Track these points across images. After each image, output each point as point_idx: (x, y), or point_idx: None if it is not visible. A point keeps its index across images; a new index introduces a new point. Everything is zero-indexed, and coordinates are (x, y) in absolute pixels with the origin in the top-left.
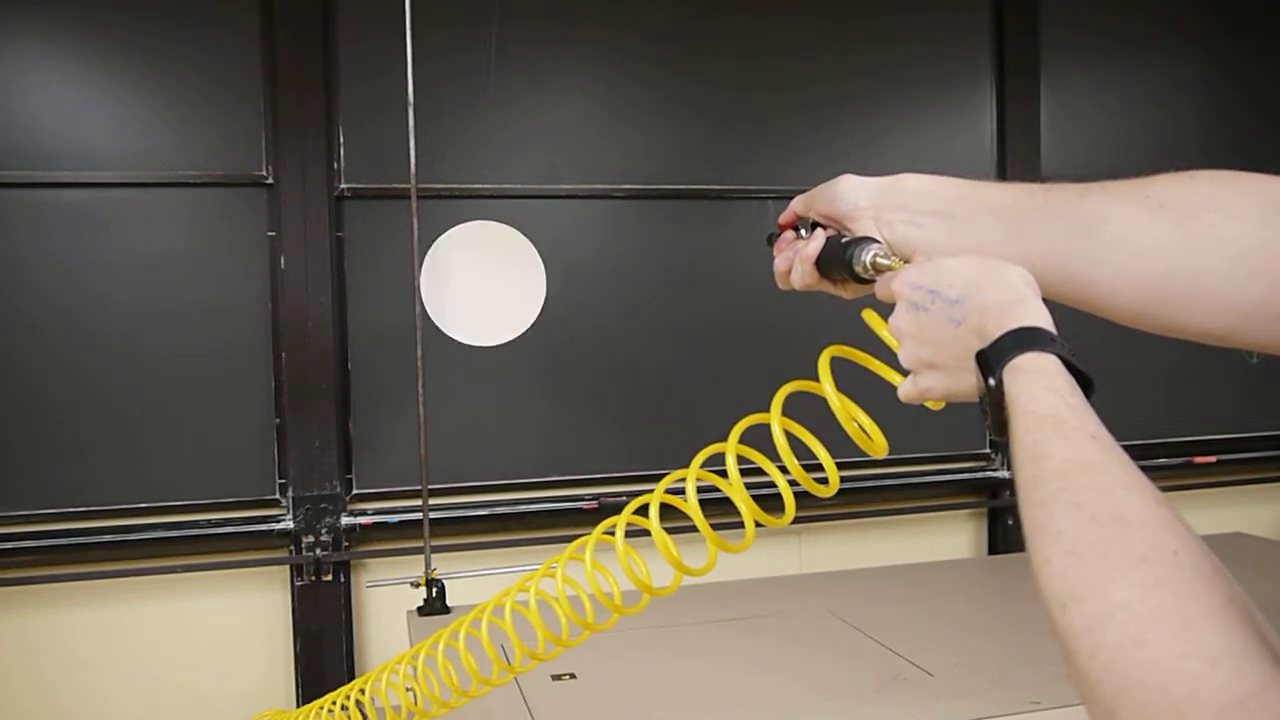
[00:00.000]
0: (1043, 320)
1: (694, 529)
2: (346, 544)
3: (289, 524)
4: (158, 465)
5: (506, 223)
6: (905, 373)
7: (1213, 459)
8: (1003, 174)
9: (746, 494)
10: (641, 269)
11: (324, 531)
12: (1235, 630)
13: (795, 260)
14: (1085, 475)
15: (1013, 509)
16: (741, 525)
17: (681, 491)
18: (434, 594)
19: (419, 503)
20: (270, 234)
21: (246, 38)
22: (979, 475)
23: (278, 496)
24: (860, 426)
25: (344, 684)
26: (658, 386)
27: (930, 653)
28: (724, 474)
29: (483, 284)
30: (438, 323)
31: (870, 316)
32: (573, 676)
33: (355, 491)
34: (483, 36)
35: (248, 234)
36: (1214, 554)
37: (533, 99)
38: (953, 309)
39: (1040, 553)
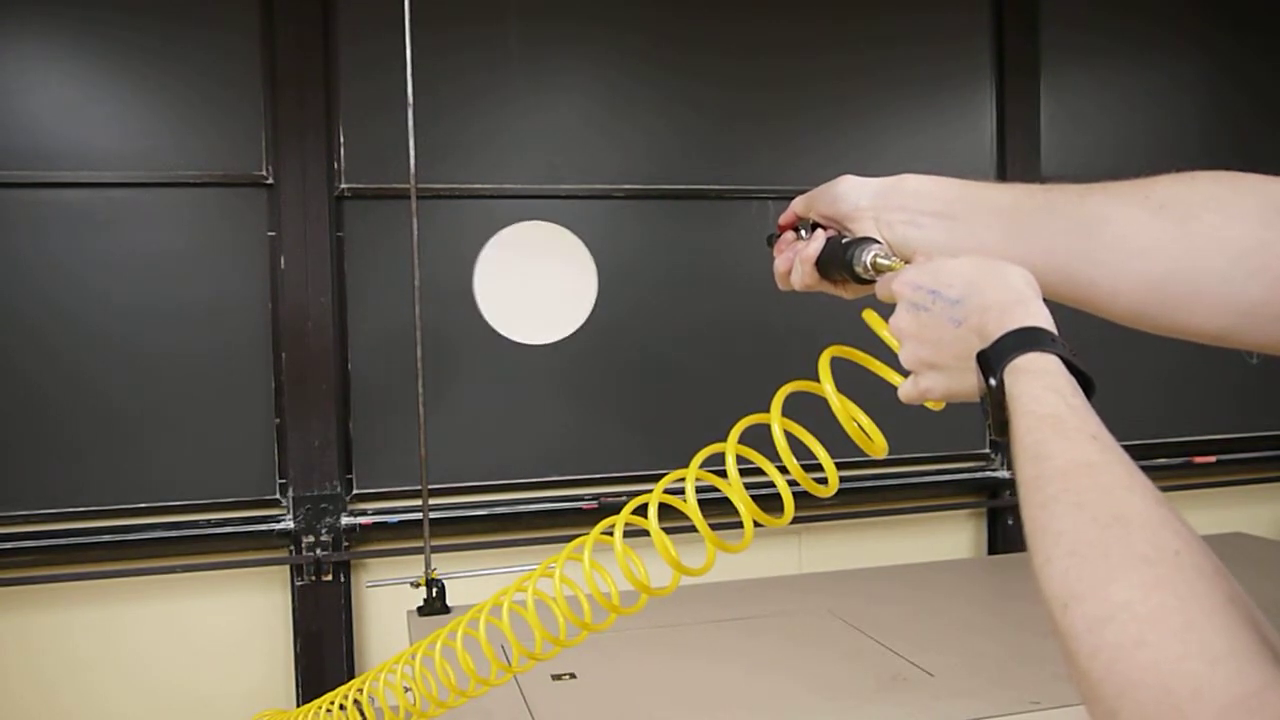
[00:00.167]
0: (1044, 320)
1: (693, 529)
2: (346, 544)
3: (289, 524)
4: (158, 465)
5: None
6: (906, 373)
7: (1213, 459)
8: (1003, 174)
9: (746, 494)
10: (641, 269)
11: (324, 531)
12: (1236, 630)
13: (795, 261)
14: (1086, 476)
15: (1012, 509)
16: (741, 525)
17: (681, 491)
18: (434, 594)
19: (419, 503)
20: (270, 234)
21: (246, 38)
22: (979, 475)
23: (278, 496)
24: (860, 427)
25: (344, 684)
26: (658, 386)
27: (930, 653)
28: (723, 474)
29: (536, 283)
30: (490, 320)
31: (871, 317)
32: (573, 676)
33: (355, 491)
34: (483, 36)
35: (248, 234)
36: (1215, 554)
37: (533, 99)
38: (953, 309)
39: (1041, 553)
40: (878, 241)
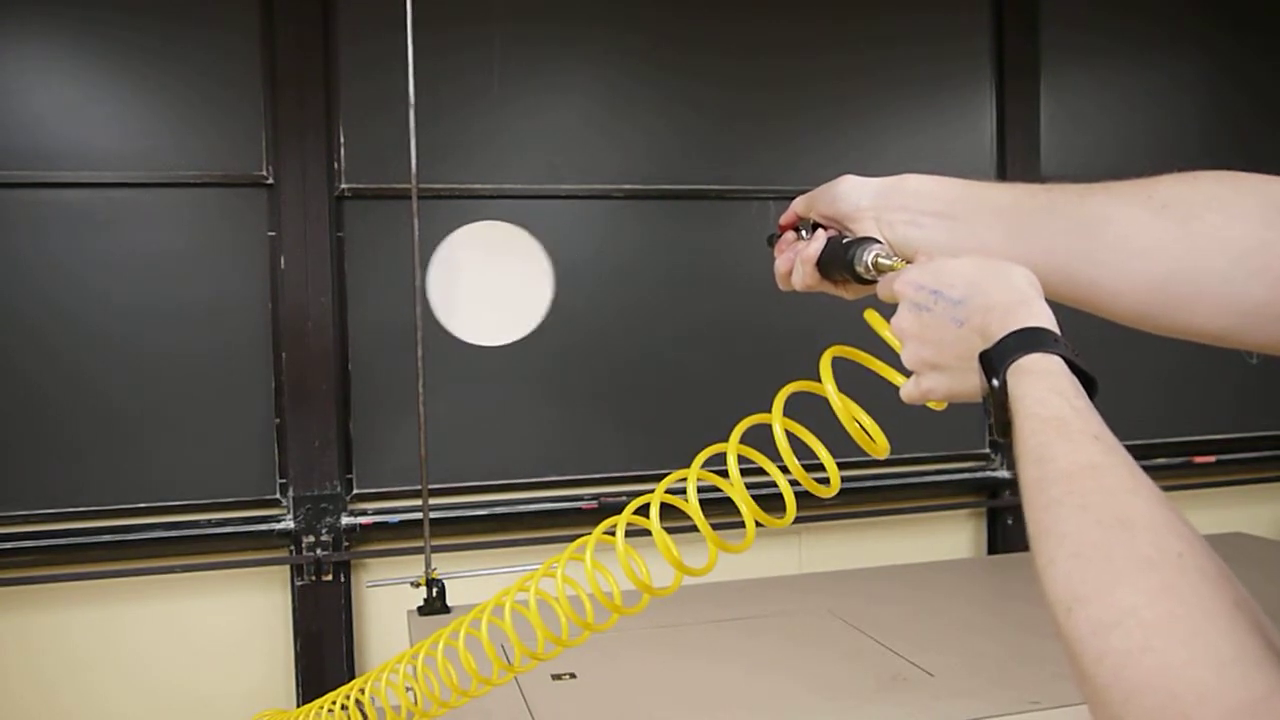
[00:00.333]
0: (1046, 321)
1: (695, 529)
2: (346, 544)
3: (289, 524)
4: (158, 465)
5: (507, 223)
6: (908, 373)
7: (1213, 459)
8: (1003, 174)
9: (747, 494)
10: (641, 269)
11: (324, 531)
12: (1242, 635)
13: (796, 261)
14: (1090, 478)
15: (1012, 509)
16: (742, 525)
17: (682, 491)
18: (434, 594)
19: (419, 503)
20: (270, 234)
21: (246, 38)
22: (979, 475)
23: (278, 496)
24: (862, 427)
25: (344, 684)
26: (658, 386)
27: (930, 653)
28: (725, 474)
29: (490, 283)
30: (444, 322)
31: (872, 317)
32: (573, 676)
33: (355, 491)
34: (483, 36)
35: (248, 234)
36: (1219, 556)
37: (533, 99)
38: (955, 309)
39: (1045, 555)
40: (879, 241)
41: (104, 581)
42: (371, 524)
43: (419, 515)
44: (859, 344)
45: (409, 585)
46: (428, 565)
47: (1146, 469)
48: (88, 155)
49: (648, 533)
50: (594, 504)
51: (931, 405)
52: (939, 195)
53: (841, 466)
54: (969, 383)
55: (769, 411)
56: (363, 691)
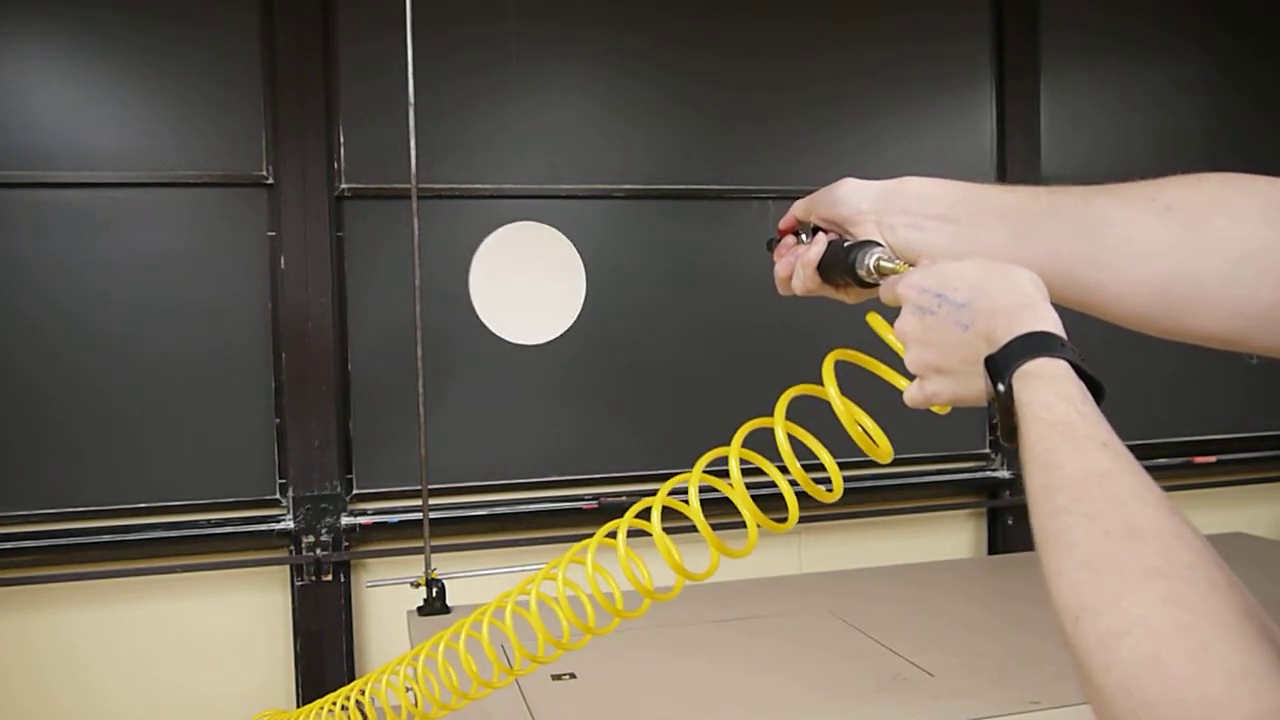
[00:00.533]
0: (1052, 324)
1: (696, 528)
2: (346, 544)
3: (289, 524)
4: (158, 465)
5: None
6: (911, 377)
7: (1213, 459)
8: (1003, 175)
9: (750, 499)
10: (641, 269)
11: (324, 531)
12: (1252, 647)
13: (797, 265)
14: (1097, 485)
15: (1012, 509)
16: (743, 524)
17: (684, 493)
18: (434, 594)
19: (419, 503)
20: (270, 234)
21: (246, 38)
22: (979, 475)
23: (278, 496)
24: (866, 432)
25: (344, 684)
26: (658, 386)
27: (930, 653)
28: (727, 476)
29: (528, 284)
30: (486, 321)
31: (875, 320)
32: (573, 676)
33: (355, 491)
34: (482, 37)
35: (248, 234)
36: (1227, 564)
37: (533, 99)
38: (959, 313)
39: (1052, 563)
40: (880, 244)
41: (104, 581)
42: (371, 524)
43: (419, 515)
44: (861, 347)
45: (409, 585)
46: (428, 565)
47: (1147, 470)
48: (88, 155)
49: (649, 534)
50: (594, 504)
51: (935, 409)
52: (941, 198)
53: (841, 467)
54: (974, 387)
55: (770, 413)
56: (363, 693)
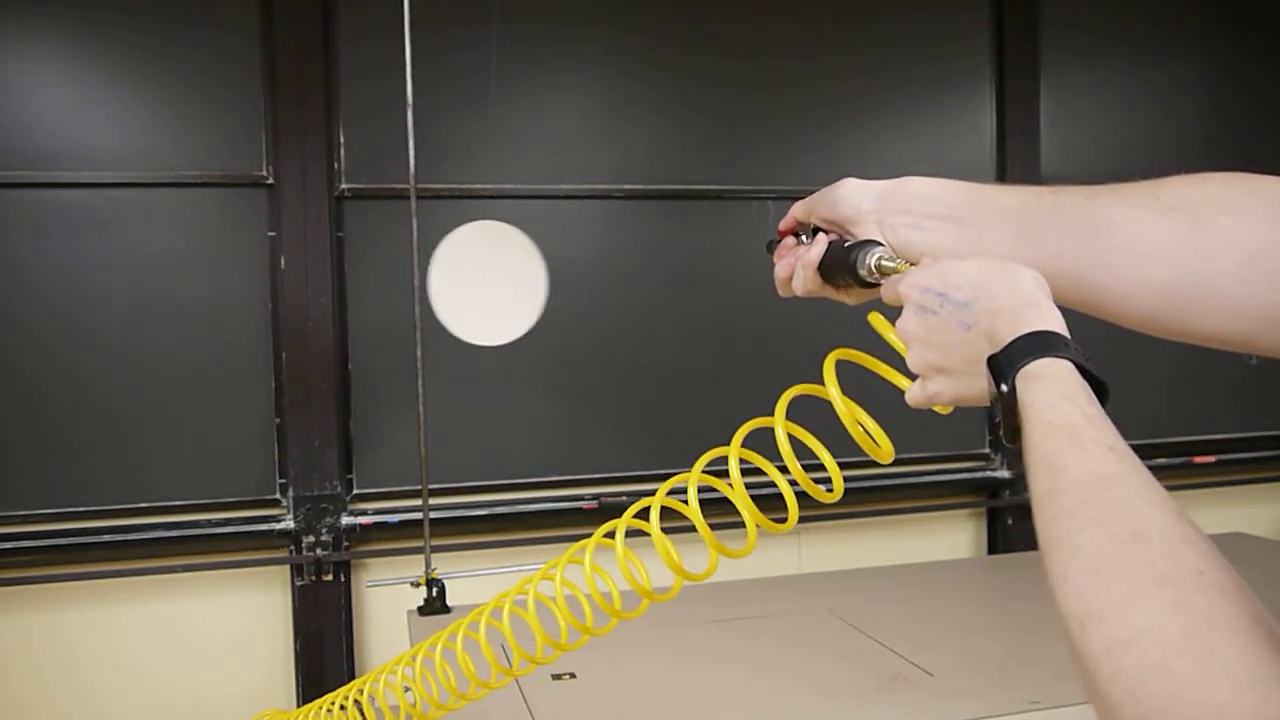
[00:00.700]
0: (1056, 324)
1: (695, 529)
2: (346, 544)
3: (289, 524)
4: (158, 465)
5: (507, 223)
6: (913, 377)
7: (1213, 459)
8: (1002, 175)
9: (749, 500)
10: (641, 269)
11: (324, 531)
12: (1260, 654)
13: (797, 266)
14: (1103, 489)
15: (1012, 509)
16: (743, 524)
17: (683, 493)
18: (434, 594)
19: (419, 503)
20: (270, 234)
21: (246, 38)
22: (979, 475)
23: (278, 496)
24: (867, 432)
25: (344, 684)
26: (658, 386)
27: (930, 653)
28: (726, 476)
29: (488, 283)
30: (445, 323)
31: (877, 320)
32: (573, 676)
33: (355, 491)
34: (483, 37)
35: (248, 234)
36: (1235, 570)
37: (533, 99)
38: (962, 312)
39: (1057, 568)
40: (881, 244)
41: (104, 581)
42: (371, 524)
43: (419, 515)
44: (862, 348)
45: (409, 585)
46: (428, 565)
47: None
48: (88, 155)
49: (648, 534)
50: (594, 504)
51: (938, 409)
52: (942, 198)
53: (841, 467)
54: (976, 387)
55: (770, 413)
56: (362, 693)
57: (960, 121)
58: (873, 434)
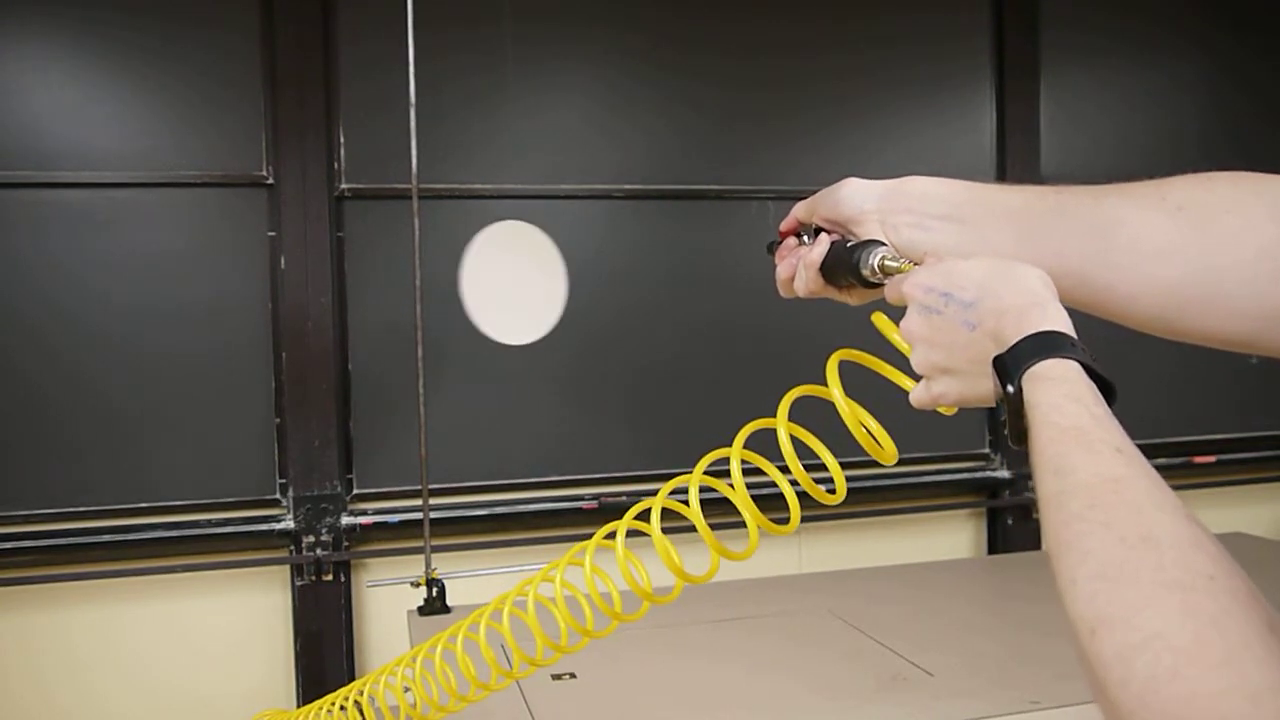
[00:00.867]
0: (1062, 324)
1: (696, 529)
2: (346, 544)
3: (289, 524)
4: (158, 465)
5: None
6: (917, 378)
7: (1213, 459)
8: (1003, 175)
9: (751, 502)
10: (641, 269)
11: (324, 531)
12: (1275, 660)
13: (799, 266)
14: (1112, 492)
15: (1012, 509)
16: (744, 524)
17: (684, 493)
18: (434, 594)
19: (419, 503)
20: (270, 234)
21: (246, 38)
22: (979, 475)
23: (278, 496)
24: (870, 434)
25: (344, 684)
26: (658, 386)
27: (930, 653)
28: (727, 477)
29: (516, 283)
30: (477, 322)
31: (880, 320)
32: (573, 676)
33: (355, 491)
34: (483, 37)
35: (248, 234)
36: (1247, 575)
37: (533, 99)
38: (967, 312)
39: (1066, 573)
40: (884, 244)
41: (104, 581)
42: (371, 524)
43: (419, 515)
44: (863, 348)
45: (409, 585)
46: (428, 565)
47: None
48: (88, 155)
49: (648, 535)
50: (594, 504)
51: (942, 410)
52: (946, 198)
53: (842, 467)
54: (981, 387)
55: (771, 414)
56: (362, 693)
57: (960, 121)
58: (876, 435)
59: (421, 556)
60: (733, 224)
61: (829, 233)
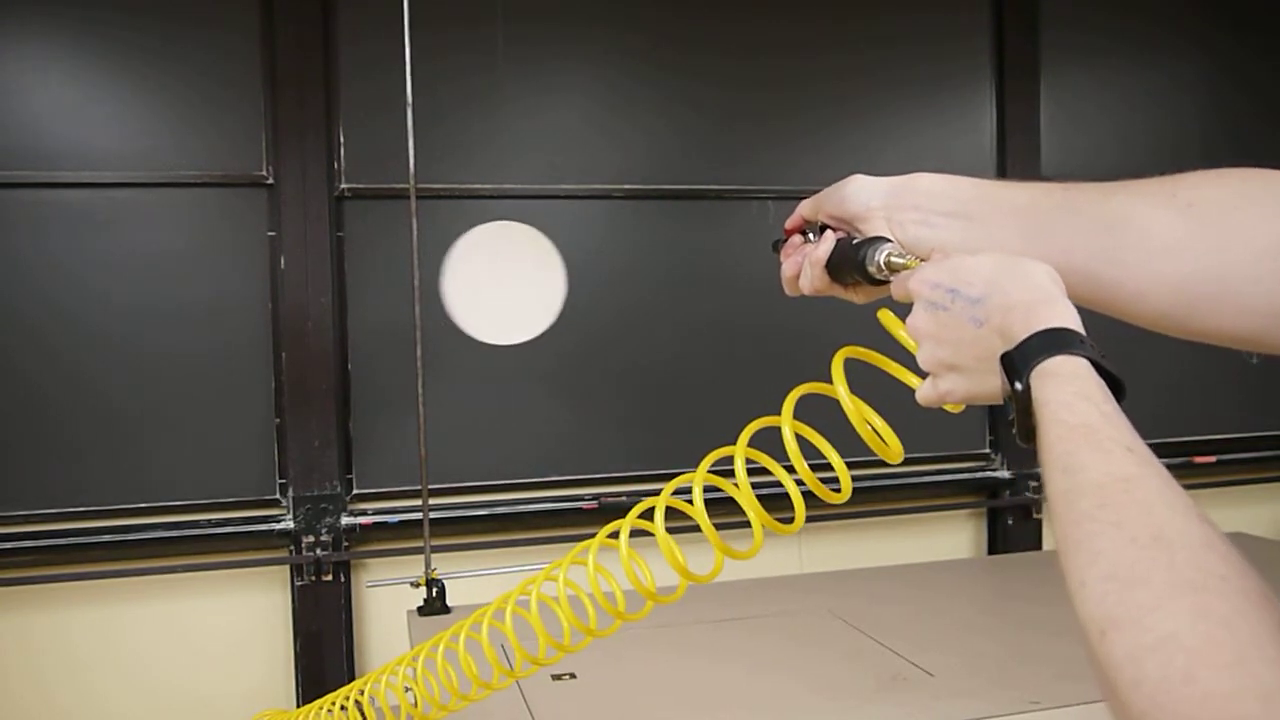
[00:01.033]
0: (1071, 320)
1: (699, 528)
2: (346, 544)
3: (289, 524)
4: (158, 465)
5: (518, 222)
6: (923, 375)
7: (1213, 459)
8: (1003, 175)
9: (756, 500)
10: (641, 269)
11: (324, 531)
12: None
13: (804, 264)
14: (1122, 491)
15: (1012, 509)
16: (746, 523)
17: (688, 493)
18: (434, 594)
19: (419, 503)
20: (270, 234)
21: (246, 38)
22: (979, 475)
23: (278, 496)
24: (876, 432)
25: (344, 684)
26: (658, 386)
27: (930, 653)
28: (730, 476)
29: (505, 283)
30: (459, 322)
31: (886, 317)
32: (573, 676)
33: (355, 491)
34: (483, 36)
35: (248, 234)
36: (1260, 575)
37: (533, 99)
38: (974, 308)
39: (1076, 573)
40: (890, 240)
41: (104, 581)
42: (371, 524)
43: (419, 515)
44: (865, 346)
45: (409, 585)
46: (428, 565)
47: None
48: (88, 155)
49: (651, 534)
50: (594, 504)
51: (948, 408)
52: (952, 195)
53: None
54: (988, 384)
55: (770, 413)
56: (363, 693)
57: (960, 121)
58: (882, 434)
59: (421, 556)
60: (733, 224)
61: (834, 230)
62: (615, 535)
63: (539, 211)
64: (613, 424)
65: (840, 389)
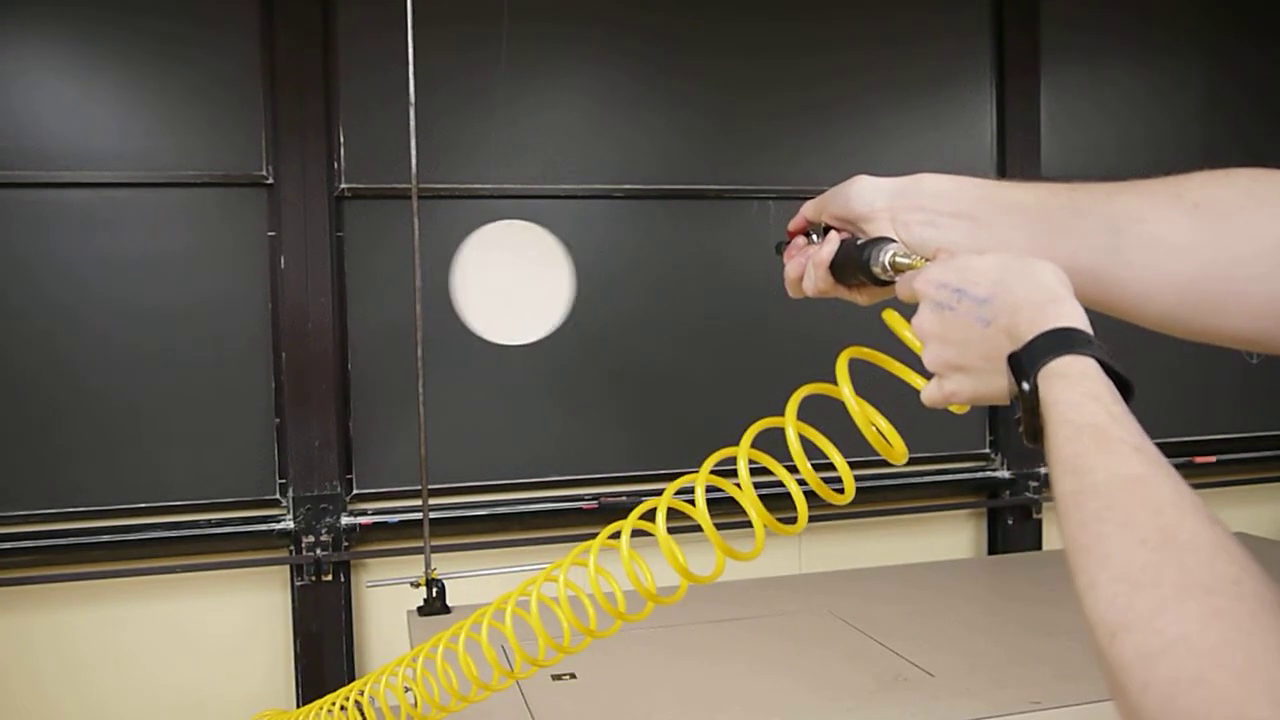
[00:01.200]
0: (1078, 320)
1: (700, 528)
2: (346, 544)
3: (289, 524)
4: (158, 465)
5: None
6: (929, 375)
7: (1213, 459)
8: (1003, 174)
9: (759, 501)
10: (641, 269)
11: (324, 531)
12: None
13: (808, 265)
14: (1132, 493)
15: (1012, 509)
16: (747, 524)
17: (689, 493)
18: (434, 594)
19: (419, 503)
20: (270, 234)
21: (246, 38)
22: (979, 475)
23: (278, 496)
24: (880, 433)
25: (344, 684)
26: (658, 386)
27: (930, 653)
28: (733, 476)
29: (514, 282)
30: (469, 323)
31: (891, 317)
32: (573, 676)
33: (355, 491)
34: (483, 36)
35: (248, 234)
36: (1272, 578)
37: (533, 99)
38: (981, 308)
39: (1085, 575)
40: (895, 241)
41: (104, 581)
42: (371, 524)
43: (419, 515)
44: (869, 345)
45: (409, 585)
46: (428, 565)
47: None
48: (88, 155)
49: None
50: (594, 504)
51: (954, 409)
52: (958, 195)
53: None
54: (995, 385)
55: (771, 414)
56: (362, 693)
57: (960, 121)
58: (886, 434)
59: (421, 556)
60: (733, 224)
61: (838, 231)
62: (617, 535)
63: (539, 211)
64: (613, 424)
65: (845, 390)
